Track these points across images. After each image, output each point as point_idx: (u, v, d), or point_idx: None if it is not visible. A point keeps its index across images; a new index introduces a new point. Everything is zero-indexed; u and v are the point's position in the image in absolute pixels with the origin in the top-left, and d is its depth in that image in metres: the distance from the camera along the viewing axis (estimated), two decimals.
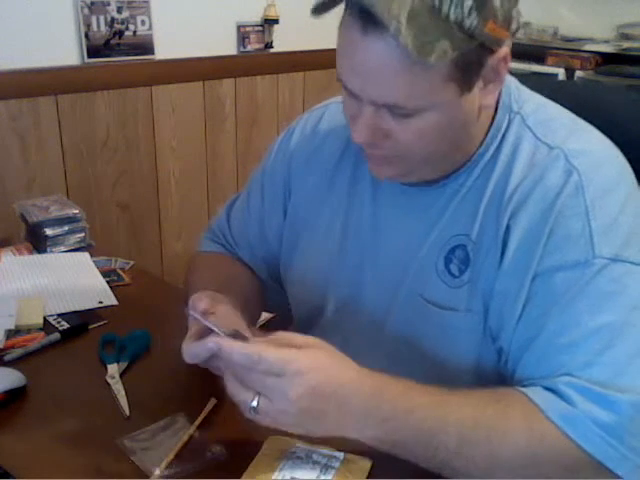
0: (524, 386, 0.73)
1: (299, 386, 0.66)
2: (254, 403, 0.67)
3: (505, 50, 0.72)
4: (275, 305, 1.15)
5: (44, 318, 1.06)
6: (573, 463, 0.68)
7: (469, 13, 0.66)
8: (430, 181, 0.84)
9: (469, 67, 0.70)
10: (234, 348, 0.68)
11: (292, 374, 0.66)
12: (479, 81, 0.72)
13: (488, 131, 0.81)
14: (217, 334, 0.71)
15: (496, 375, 0.81)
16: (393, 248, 0.88)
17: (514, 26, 0.71)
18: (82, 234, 1.36)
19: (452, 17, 0.65)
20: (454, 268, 0.82)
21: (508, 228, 0.77)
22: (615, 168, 0.79)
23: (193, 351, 0.73)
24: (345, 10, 0.70)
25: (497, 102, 0.80)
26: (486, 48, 0.69)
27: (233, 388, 0.69)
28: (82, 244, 1.35)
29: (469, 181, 0.82)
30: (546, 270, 0.74)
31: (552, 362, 0.73)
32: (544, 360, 0.74)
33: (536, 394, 0.71)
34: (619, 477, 0.67)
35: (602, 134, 0.82)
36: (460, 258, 0.81)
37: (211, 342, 0.70)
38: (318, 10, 0.70)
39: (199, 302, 0.78)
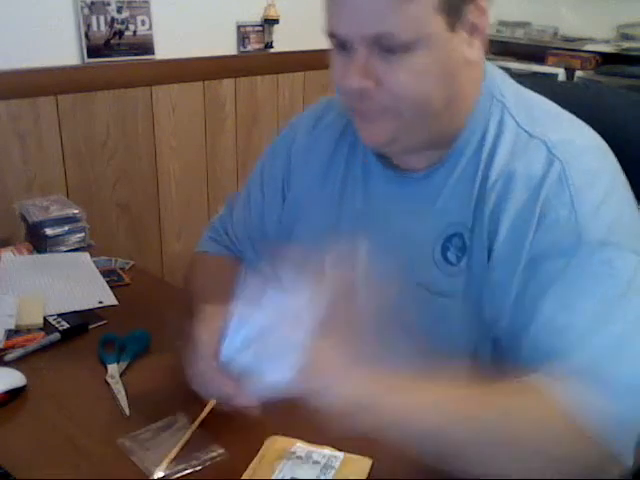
0: (523, 373, 0.73)
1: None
2: None
3: (484, 3, 0.74)
4: None
5: (44, 318, 1.06)
6: (580, 448, 0.68)
7: None
8: (418, 169, 0.85)
9: (454, 1, 0.72)
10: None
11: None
12: (463, 26, 0.74)
13: (472, 116, 0.81)
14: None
15: (493, 363, 0.81)
16: (386, 236, 0.88)
17: None
18: (82, 234, 1.36)
19: None
20: (452, 256, 0.82)
21: (495, 217, 0.78)
22: (597, 156, 0.79)
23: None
24: None
25: (481, 89, 0.82)
26: None
27: None
28: (82, 244, 1.35)
29: (458, 169, 0.82)
30: (536, 258, 0.75)
31: (547, 347, 0.73)
32: (539, 345, 0.74)
33: (540, 382, 0.71)
34: (622, 462, 0.67)
35: (585, 123, 0.82)
36: (457, 246, 0.82)
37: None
38: None
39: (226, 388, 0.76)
